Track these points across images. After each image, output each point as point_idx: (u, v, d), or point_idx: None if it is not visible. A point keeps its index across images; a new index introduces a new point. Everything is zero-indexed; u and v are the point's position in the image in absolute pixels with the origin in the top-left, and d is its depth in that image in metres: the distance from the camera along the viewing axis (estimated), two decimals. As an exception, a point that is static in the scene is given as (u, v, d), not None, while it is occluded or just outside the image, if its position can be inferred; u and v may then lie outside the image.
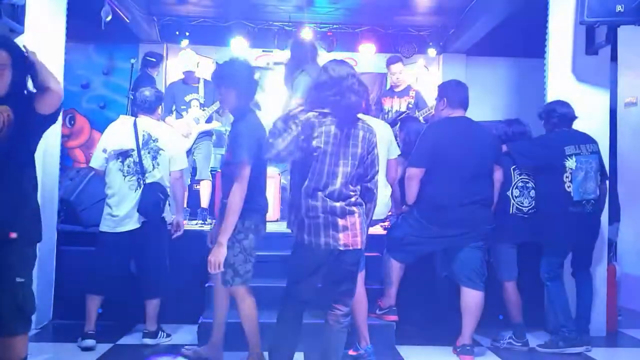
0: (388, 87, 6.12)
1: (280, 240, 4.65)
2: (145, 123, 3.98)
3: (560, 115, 4.15)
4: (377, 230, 4.20)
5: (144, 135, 3.91)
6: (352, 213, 2.93)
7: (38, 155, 4.19)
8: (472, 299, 3.74)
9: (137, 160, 3.86)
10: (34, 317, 4.13)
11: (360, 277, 3.70)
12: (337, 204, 2.89)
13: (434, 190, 3.73)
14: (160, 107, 4.13)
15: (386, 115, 5.85)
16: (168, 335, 4.07)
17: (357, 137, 2.94)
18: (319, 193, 2.88)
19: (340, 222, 2.90)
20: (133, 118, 4.06)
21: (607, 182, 4.31)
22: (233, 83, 3.24)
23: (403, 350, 3.95)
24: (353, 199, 2.95)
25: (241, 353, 3.67)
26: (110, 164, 3.90)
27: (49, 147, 4.34)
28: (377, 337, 3.74)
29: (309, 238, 2.91)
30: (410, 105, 5.75)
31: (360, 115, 3.71)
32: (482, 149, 3.78)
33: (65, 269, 4.53)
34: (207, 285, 4.13)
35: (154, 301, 3.97)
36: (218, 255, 3.09)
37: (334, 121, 2.89)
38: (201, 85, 5.69)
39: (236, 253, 3.20)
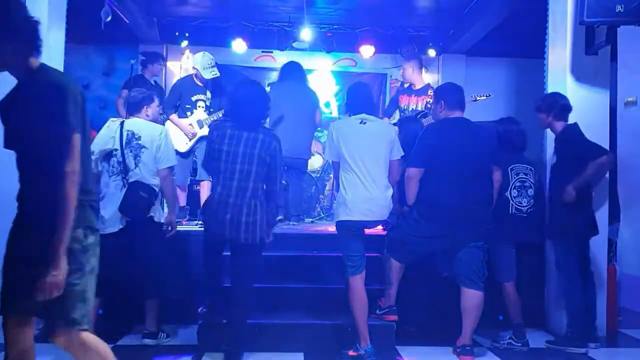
0: (407, 85, 6.05)
1: (280, 240, 4.67)
2: (132, 123, 4.00)
3: (563, 106, 4.21)
4: (377, 230, 4.20)
5: (127, 135, 3.92)
6: (255, 211, 3.47)
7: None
8: (471, 299, 3.74)
9: (121, 159, 3.87)
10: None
11: (361, 277, 3.72)
12: (239, 200, 3.45)
13: (433, 190, 3.73)
14: (147, 106, 4.09)
15: (402, 114, 5.78)
16: (168, 336, 4.07)
17: (256, 139, 3.51)
18: (219, 188, 3.50)
19: (244, 218, 3.45)
20: (121, 119, 4.07)
21: None
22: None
23: (403, 350, 3.95)
24: (254, 196, 3.47)
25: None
26: (100, 166, 3.92)
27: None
28: (377, 337, 3.75)
29: (214, 229, 3.56)
30: (428, 105, 5.54)
31: (363, 116, 3.76)
32: (481, 149, 3.78)
33: (65, 269, 4.51)
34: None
35: (152, 301, 3.97)
36: (59, 276, 2.04)
37: (231, 126, 3.52)
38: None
39: (86, 276, 2.22)
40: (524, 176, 4.15)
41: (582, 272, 4.17)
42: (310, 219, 6.50)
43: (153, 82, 6.22)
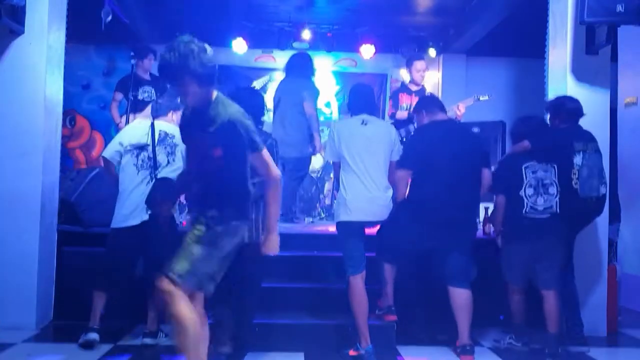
0: (407, 82, 5.97)
1: (280, 240, 4.66)
2: (162, 124, 4.10)
3: (568, 110, 4.16)
4: (376, 230, 4.20)
5: (160, 134, 4.03)
6: (258, 209, 3.41)
7: (38, 156, 4.26)
8: (459, 297, 3.76)
9: (152, 155, 3.96)
10: (34, 318, 4.22)
11: (361, 277, 3.72)
12: None
13: (421, 191, 3.76)
14: (174, 112, 4.17)
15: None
16: (166, 335, 4.07)
17: None
18: None
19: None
20: (150, 120, 4.15)
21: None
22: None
23: (403, 350, 3.95)
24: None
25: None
26: (125, 159, 3.98)
27: (49, 147, 4.34)
28: (377, 337, 3.74)
29: None
30: None
31: (364, 116, 3.79)
32: (470, 151, 3.82)
33: (65, 269, 4.52)
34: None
35: (154, 300, 3.90)
36: None
37: None
38: None
39: None
40: (543, 173, 3.98)
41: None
42: (311, 219, 6.50)
43: (149, 77, 6.14)
